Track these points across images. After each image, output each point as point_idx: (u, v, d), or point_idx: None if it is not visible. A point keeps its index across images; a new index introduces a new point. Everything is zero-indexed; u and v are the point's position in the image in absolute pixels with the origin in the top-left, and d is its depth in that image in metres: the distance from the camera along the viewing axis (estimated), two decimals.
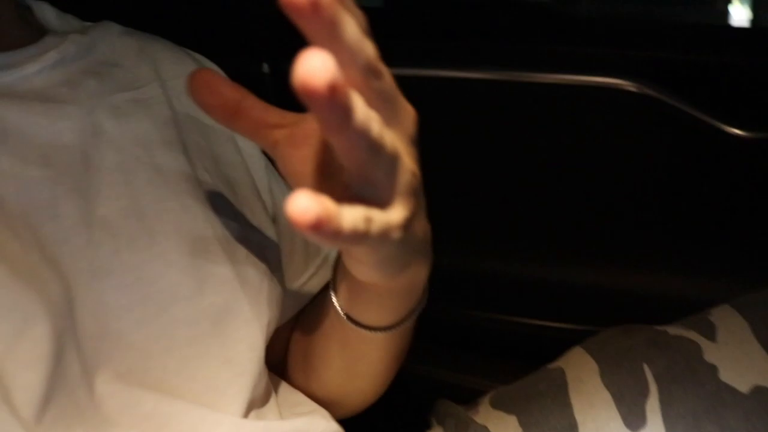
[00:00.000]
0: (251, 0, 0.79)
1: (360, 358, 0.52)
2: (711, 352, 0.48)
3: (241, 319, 0.46)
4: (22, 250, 0.39)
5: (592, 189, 0.77)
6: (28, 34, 0.49)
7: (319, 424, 0.50)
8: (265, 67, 0.78)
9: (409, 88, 0.77)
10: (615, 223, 0.78)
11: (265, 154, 0.56)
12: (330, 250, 0.60)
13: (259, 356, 0.47)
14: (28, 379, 0.36)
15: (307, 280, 0.58)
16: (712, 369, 0.46)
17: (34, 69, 0.46)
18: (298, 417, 0.50)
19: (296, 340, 0.58)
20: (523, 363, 0.57)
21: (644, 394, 0.47)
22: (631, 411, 0.47)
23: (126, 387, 0.41)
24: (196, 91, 0.37)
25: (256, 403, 0.47)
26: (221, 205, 0.49)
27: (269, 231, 0.53)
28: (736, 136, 0.71)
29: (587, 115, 0.75)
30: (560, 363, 0.54)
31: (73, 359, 0.39)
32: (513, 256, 0.82)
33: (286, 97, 0.77)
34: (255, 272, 0.48)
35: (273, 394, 0.51)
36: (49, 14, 0.53)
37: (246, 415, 0.46)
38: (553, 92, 0.74)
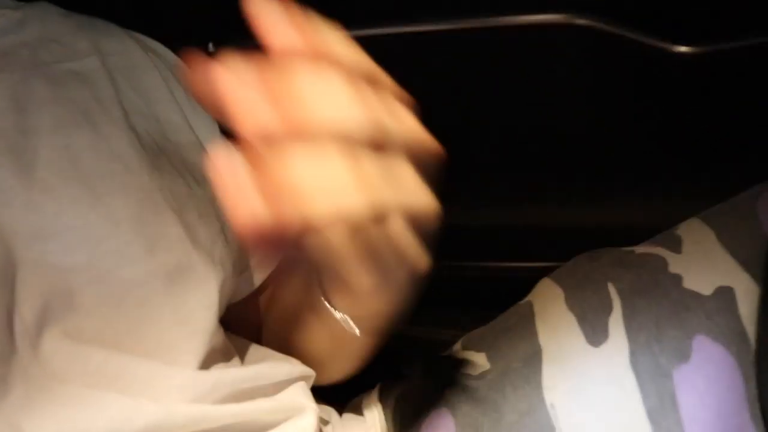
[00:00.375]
0: None
1: (344, 343, 0.52)
2: (676, 263, 0.48)
3: (193, 279, 0.45)
4: None
5: (547, 129, 0.77)
6: None
7: (282, 368, 0.49)
8: (211, 47, 0.76)
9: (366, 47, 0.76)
10: (574, 159, 0.78)
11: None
12: None
13: (214, 314, 0.46)
14: None
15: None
16: (677, 278, 0.47)
17: None
18: (259, 363, 0.49)
19: (273, 319, 0.58)
20: (500, 308, 0.57)
21: (607, 310, 0.48)
22: (593, 328, 0.47)
23: (74, 344, 0.40)
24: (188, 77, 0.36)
25: (214, 359, 0.46)
26: (168, 168, 0.49)
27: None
28: (683, 54, 0.71)
29: (530, 53, 0.74)
30: (529, 297, 0.55)
31: (16, 319, 0.38)
32: (472, 201, 0.81)
33: None
34: (206, 231, 0.48)
35: (236, 350, 0.50)
36: None
37: (202, 369, 0.45)
38: (492, 36, 0.74)
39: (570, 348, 0.47)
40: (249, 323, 0.58)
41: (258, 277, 0.57)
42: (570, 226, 0.80)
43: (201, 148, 0.54)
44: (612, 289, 0.49)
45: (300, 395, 0.49)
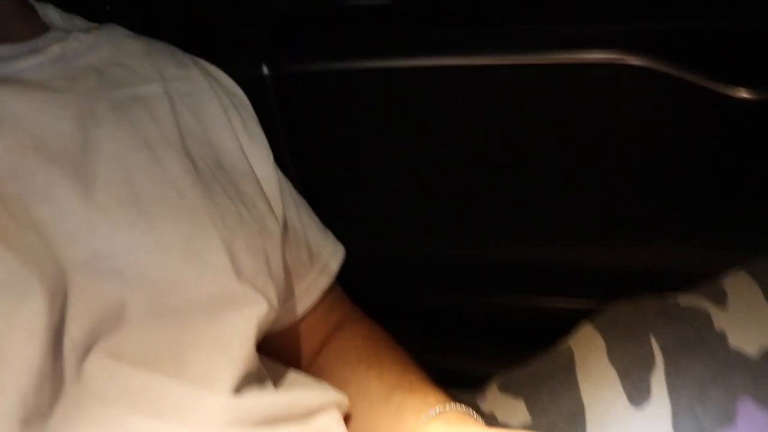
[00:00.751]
0: (248, 3, 0.80)
1: None
2: (721, 320, 0.47)
3: (235, 308, 0.46)
4: (17, 230, 0.39)
5: (597, 167, 0.76)
6: (30, 29, 0.49)
7: (315, 394, 0.49)
8: (265, 69, 0.78)
9: (417, 77, 0.76)
10: (624, 198, 0.77)
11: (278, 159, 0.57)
12: (330, 256, 0.61)
13: (252, 343, 0.47)
14: (26, 351, 0.36)
15: (311, 283, 0.59)
16: (721, 336, 0.46)
17: (35, 62, 0.46)
18: (293, 389, 0.49)
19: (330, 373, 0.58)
20: (534, 345, 0.56)
21: (649, 367, 0.47)
22: (636, 386, 0.46)
23: (116, 363, 0.41)
24: None
25: (248, 383, 0.46)
26: (220, 195, 0.50)
27: (271, 224, 0.53)
28: (742, 99, 0.69)
29: (583, 92, 0.73)
30: (569, 341, 0.54)
31: (65, 339, 0.39)
32: (515, 237, 0.81)
33: (287, 100, 0.79)
34: (251, 262, 0.48)
35: (270, 374, 0.51)
36: (52, 14, 0.53)
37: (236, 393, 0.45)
38: (549, 73, 0.73)
39: (613, 409, 0.46)
40: (289, 352, 0.58)
41: (301, 308, 0.58)
42: (615, 266, 0.79)
43: (254, 177, 0.55)
44: (654, 344, 0.48)
45: (333, 423, 0.49)
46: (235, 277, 0.46)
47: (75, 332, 0.39)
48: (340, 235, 0.65)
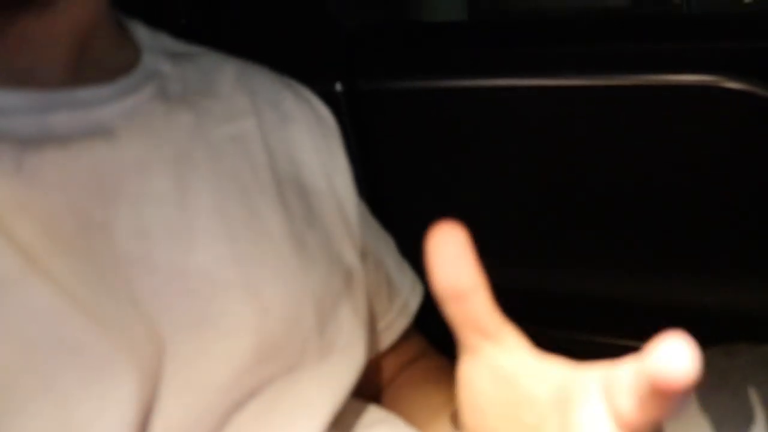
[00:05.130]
0: (323, 19, 0.80)
1: None
2: None
3: (321, 372, 0.45)
4: (115, 307, 0.37)
5: (688, 198, 0.72)
6: (125, 58, 0.46)
7: None
8: (339, 86, 0.77)
9: (495, 98, 0.73)
10: (717, 233, 0.72)
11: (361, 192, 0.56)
12: (409, 295, 0.59)
13: (337, 405, 0.45)
14: None
15: (390, 323, 0.58)
16: None
17: (133, 102, 0.43)
18: (364, 430, 0.48)
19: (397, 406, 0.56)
20: None
21: (750, 420, 0.43)
22: None
23: None
24: (433, 251, 0.32)
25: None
26: (312, 250, 0.48)
27: (357, 272, 0.51)
28: None
29: (672, 117, 0.70)
30: None
31: (158, 418, 0.37)
32: (602, 273, 0.77)
33: (359, 117, 0.78)
34: (337, 323, 0.47)
35: (345, 415, 0.49)
36: (142, 33, 0.49)
37: None
38: (636, 95, 0.70)
39: None
40: (370, 382, 0.57)
41: (379, 348, 0.57)
42: (706, 306, 0.74)
43: (341, 213, 0.53)
44: (753, 395, 0.43)
45: None
46: (317, 343, 0.45)
47: (172, 411, 0.37)
48: (413, 260, 0.62)
